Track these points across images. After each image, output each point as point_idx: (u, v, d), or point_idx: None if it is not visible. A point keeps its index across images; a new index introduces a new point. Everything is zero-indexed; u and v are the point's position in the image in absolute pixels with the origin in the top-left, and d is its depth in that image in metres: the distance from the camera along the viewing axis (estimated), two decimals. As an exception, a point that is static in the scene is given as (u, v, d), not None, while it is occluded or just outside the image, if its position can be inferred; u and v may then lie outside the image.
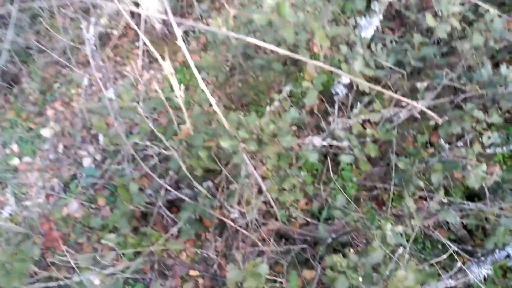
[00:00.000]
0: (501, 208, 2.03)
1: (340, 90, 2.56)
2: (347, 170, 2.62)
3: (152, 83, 3.36)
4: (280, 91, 2.80)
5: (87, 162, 3.08)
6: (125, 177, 2.38)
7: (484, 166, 1.88)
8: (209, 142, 1.93)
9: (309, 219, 2.55)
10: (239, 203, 2.26)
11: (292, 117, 1.82)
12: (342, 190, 2.50)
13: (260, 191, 2.23)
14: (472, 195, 2.53)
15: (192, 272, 2.52)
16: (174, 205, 2.69)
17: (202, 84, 1.57)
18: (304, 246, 2.39)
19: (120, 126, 2.24)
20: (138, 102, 2.12)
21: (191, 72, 3.30)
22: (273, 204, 2.17)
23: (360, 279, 1.73)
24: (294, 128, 1.95)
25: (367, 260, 1.77)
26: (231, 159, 1.99)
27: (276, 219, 2.54)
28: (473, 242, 2.40)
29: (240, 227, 2.35)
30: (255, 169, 1.93)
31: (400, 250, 1.68)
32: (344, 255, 1.85)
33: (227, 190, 2.24)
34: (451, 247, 2.28)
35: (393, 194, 2.54)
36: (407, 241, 1.86)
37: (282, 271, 2.40)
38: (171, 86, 1.91)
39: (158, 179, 2.19)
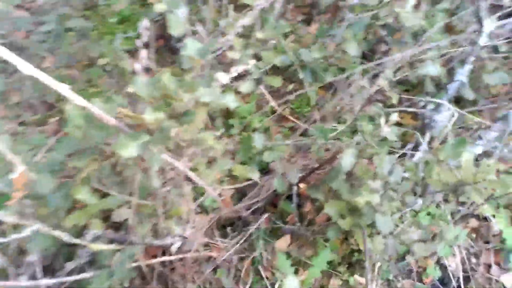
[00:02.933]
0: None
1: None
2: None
3: None
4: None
5: None
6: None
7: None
8: (90, 165, 1.04)
9: (237, 185, 1.90)
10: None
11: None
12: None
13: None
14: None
15: None
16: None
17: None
18: (262, 216, 1.78)
19: None
20: None
21: None
22: (212, 193, 1.45)
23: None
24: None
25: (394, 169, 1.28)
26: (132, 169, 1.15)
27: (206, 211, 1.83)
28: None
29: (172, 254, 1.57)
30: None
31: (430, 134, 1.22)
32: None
33: (139, 217, 1.40)
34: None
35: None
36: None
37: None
38: None
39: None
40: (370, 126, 1.40)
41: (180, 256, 1.50)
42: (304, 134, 1.98)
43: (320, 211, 1.83)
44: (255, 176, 1.36)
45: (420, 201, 1.31)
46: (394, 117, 1.31)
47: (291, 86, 2.14)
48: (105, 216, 1.56)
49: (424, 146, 1.71)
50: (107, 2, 2.06)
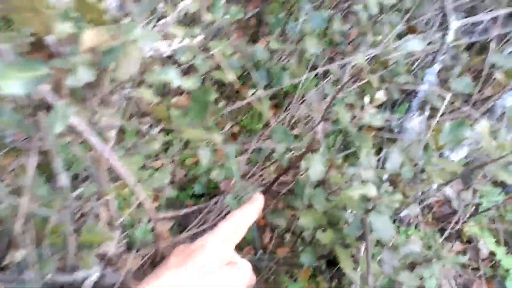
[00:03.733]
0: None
1: None
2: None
3: None
4: None
5: None
6: None
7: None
8: None
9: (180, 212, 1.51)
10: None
11: None
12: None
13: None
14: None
15: None
16: None
17: None
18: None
19: None
20: None
21: None
22: (147, 204, 1.06)
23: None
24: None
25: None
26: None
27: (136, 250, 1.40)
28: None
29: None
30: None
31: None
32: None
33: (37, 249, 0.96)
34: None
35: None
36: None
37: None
38: None
39: None
40: (348, 114, 1.14)
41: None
42: (257, 152, 1.68)
43: (283, 240, 1.49)
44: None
45: (434, 186, 1.03)
46: (381, 95, 1.06)
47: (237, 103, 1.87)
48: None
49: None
50: None
